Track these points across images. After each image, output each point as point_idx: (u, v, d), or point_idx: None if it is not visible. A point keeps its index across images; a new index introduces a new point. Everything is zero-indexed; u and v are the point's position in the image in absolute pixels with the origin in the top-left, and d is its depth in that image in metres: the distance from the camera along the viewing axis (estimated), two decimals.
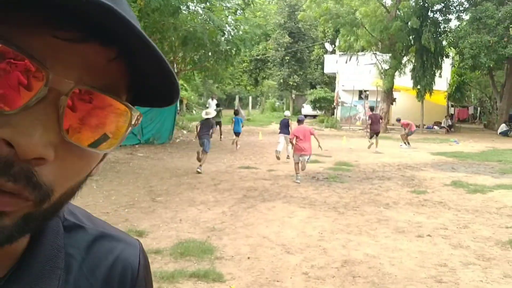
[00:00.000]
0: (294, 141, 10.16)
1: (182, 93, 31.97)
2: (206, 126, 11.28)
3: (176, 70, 18.87)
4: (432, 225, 6.72)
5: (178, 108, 24.87)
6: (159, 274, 4.45)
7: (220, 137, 19.87)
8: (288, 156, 13.44)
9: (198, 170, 10.73)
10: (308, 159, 10.37)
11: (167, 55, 18.23)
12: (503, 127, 26.90)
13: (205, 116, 11.48)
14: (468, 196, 8.91)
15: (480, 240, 6.08)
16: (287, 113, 15.70)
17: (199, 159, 11.09)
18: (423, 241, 5.96)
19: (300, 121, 10.60)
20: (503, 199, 8.57)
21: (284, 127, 13.54)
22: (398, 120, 18.17)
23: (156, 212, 7.07)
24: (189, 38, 14.21)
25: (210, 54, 16.99)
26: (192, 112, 36.43)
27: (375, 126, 16.69)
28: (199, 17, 15.43)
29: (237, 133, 16.80)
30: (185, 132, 22.03)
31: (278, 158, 12.85)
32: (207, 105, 28.72)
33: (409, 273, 4.80)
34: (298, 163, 10.16)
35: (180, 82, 25.41)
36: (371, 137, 16.98)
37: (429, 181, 10.52)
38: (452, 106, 33.84)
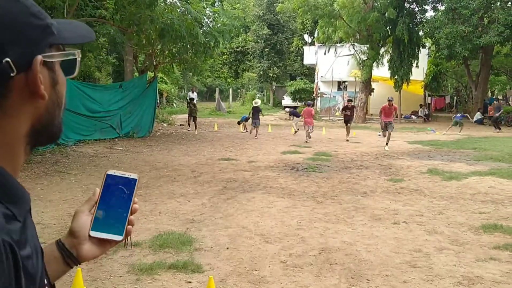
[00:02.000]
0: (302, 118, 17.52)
1: (162, 86, 31.77)
2: (256, 111, 17.97)
3: (154, 63, 18.74)
4: (408, 212, 6.87)
5: (158, 101, 24.71)
6: (138, 266, 4.48)
7: (195, 130, 19.41)
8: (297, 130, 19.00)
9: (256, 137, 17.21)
10: (311, 128, 17.12)
11: (145, 48, 18.10)
12: (478, 115, 27.43)
13: (254, 105, 18.77)
14: (444, 183, 9.11)
15: (454, 225, 6.24)
16: (258, 101, 20.53)
17: (250, 131, 18.25)
18: (398, 228, 6.09)
19: (308, 105, 18.61)
20: (477, 186, 8.79)
21: (257, 113, 18.05)
22: (391, 99, 15.17)
23: None
24: (166, 31, 14.09)
25: (188, 46, 16.86)
26: (172, 105, 36.21)
27: (346, 113, 17.78)
28: (176, 9, 15.32)
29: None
30: (165, 125, 21.93)
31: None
32: (187, 98, 28.59)
33: (385, 259, 4.92)
34: (307, 131, 16.82)
35: (160, 75, 25.27)
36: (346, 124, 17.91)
37: (405, 169, 10.72)
38: (429, 95, 34.36)
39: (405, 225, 6.22)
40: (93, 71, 23.16)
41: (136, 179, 1.02)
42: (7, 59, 0.69)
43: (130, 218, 0.99)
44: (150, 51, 18.01)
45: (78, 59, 0.85)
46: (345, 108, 18.10)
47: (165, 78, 32.72)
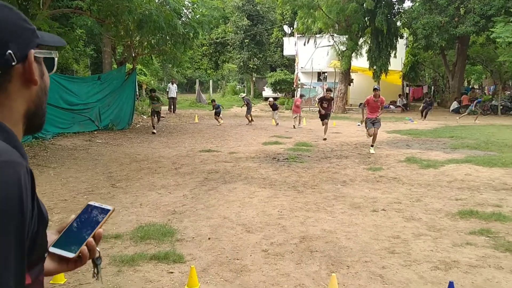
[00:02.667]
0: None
1: (141, 77, 31.44)
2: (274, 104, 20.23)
3: (133, 55, 18.53)
4: (387, 200, 6.99)
5: (137, 93, 24.48)
6: (119, 258, 4.48)
7: (155, 127, 16.24)
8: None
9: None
10: (298, 116, 19.15)
11: (123, 39, 17.86)
12: (454, 104, 27.90)
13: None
14: (421, 171, 9.28)
15: (432, 212, 6.37)
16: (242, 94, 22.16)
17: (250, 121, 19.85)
18: (377, 215, 6.20)
19: (302, 96, 21.83)
20: (453, 173, 8.98)
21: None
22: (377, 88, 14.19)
23: (116, 198, 7.04)
24: (144, 22, 13.94)
25: (167, 37, 16.71)
26: None
27: (323, 105, 14.74)
28: (155, 0, 15.15)
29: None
30: (145, 117, 21.75)
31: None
32: (167, 90, 28.38)
33: (364, 245, 5.01)
34: (294, 118, 18.92)
35: (139, 67, 25.00)
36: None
37: (384, 158, 10.87)
38: (407, 85, 34.72)
39: (384, 213, 6.33)
40: (71, 63, 22.82)
41: (110, 209, 1.15)
42: (10, 51, 0.91)
43: (89, 240, 1.09)
44: (129, 42, 17.80)
45: (56, 58, 1.08)
46: (322, 100, 14.87)
47: (144, 70, 32.41)
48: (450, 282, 3.72)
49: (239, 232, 5.45)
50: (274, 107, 20.17)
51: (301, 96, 22.03)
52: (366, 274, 4.23)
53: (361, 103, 23.91)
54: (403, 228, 5.65)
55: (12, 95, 0.94)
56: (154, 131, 15.98)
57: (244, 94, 22.12)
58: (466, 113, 22.10)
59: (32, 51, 0.96)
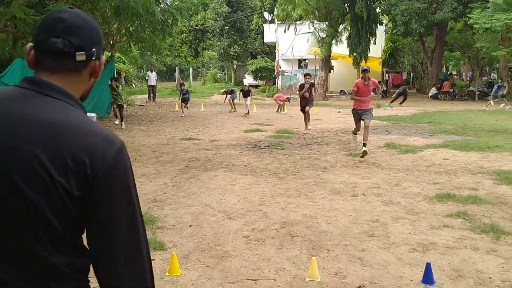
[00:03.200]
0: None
1: (120, 65, 31.01)
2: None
3: (111, 42, 18.24)
4: (366, 185, 7.07)
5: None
6: None
7: (121, 123, 14.55)
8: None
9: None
10: (283, 103, 19.99)
11: (100, 27, 17.53)
12: (433, 90, 28.25)
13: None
14: (400, 156, 9.40)
15: (410, 196, 6.48)
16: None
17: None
18: (357, 200, 6.28)
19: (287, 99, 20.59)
20: (431, 158, 9.12)
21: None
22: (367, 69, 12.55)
23: None
24: (122, 8, 13.72)
25: (146, 24, 16.51)
26: (131, 85, 35.48)
27: (304, 93, 13.06)
28: None
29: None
30: (124, 105, 21.50)
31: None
32: (146, 78, 28.07)
33: (344, 230, 5.08)
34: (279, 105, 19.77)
35: (117, 54, 24.62)
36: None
37: None
38: (386, 72, 35.03)
39: (363, 197, 6.41)
40: None
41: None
42: (94, 49, 1.24)
43: None
44: (106, 29, 17.50)
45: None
46: (302, 87, 13.15)
47: (123, 58, 31.95)
48: (427, 263, 3.81)
49: (221, 219, 5.47)
50: (246, 94, 18.97)
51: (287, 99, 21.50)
52: (345, 257, 4.30)
53: (341, 90, 24.28)
54: (382, 212, 5.74)
55: (82, 79, 1.27)
56: (116, 122, 14.73)
57: (225, 90, 21.63)
58: (491, 101, 21.70)
59: (103, 57, 1.32)
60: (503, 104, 21.18)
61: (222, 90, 24.75)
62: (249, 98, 18.90)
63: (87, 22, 1.24)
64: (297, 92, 13.71)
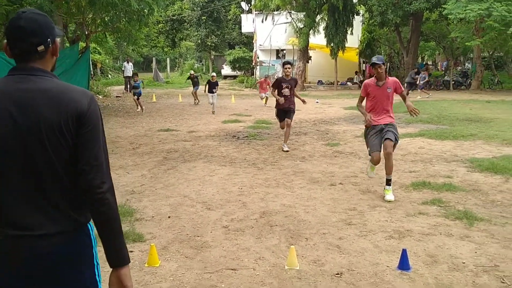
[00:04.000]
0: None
1: (95, 56, 30.53)
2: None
3: (86, 32, 17.90)
4: (344, 174, 7.15)
5: (92, 73, 23.76)
6: None
7: (142, 110, 16.33)
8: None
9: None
10: (264, 95, 18.31)
11: (75, 17, 17.21)
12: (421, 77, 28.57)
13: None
14: None
15: None
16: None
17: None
18: (335, 189, 6.35)
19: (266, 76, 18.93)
20: (407, 147, 9.27)
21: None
22: (377, 63, 10.51)
23: None
24: None
25: (121, 14, 16.21)
26: (107, 76, 34.98)
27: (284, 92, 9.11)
28: None
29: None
30: (100, 97, 21.23)
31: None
32: (122, 68, 27.71)
33: (322, 218, 5.14)
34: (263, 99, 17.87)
35: (92, 45, 24.17)
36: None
37: (342, 134, 11.09)
38: (363, 62, 35.25)
39: (341, 186, 6.49)
40: None
41: None
42: (49, 39, 1.74)
43: None
44: (81, 19, 17.17)
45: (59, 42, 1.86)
46: (280, 82, 9.02)
47: (99, 49, 31.44)
48: (403, 249, 3.88)
49: (200, 210, 5.47)
50: (212, 86, 16.28)
51: (266, 77, 19.59)
52: (324, 245, 4.35)
53: (319, 80, 24.26)
54: (360, 201, 5.82)
55: (48, 60, 1.80)
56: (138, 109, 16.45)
57: (214, 74, 19.12)
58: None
59: (58, 39, 1.82)
60: (420, 96, 22.02)
61: (188, 73, 21.47)
62: (215, 94, 16.06)
63: (39, 23, 1.74)
64: (271, 92, 9.39)
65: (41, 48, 1.73)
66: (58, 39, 1.83)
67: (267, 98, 18.10)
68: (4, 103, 1.66)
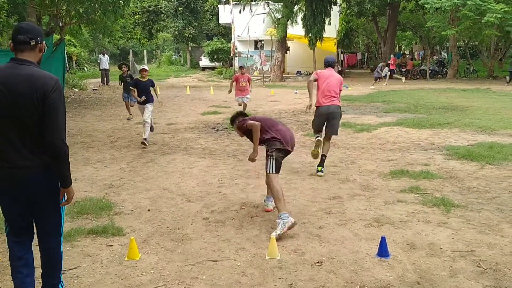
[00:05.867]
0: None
1: (70, 49, 29.99)
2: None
3: (60, 24, 17.53)
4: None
5: (67, 66, 23.31)
6: None
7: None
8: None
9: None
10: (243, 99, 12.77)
11: (48, 8, 16.83)
12: (386, 70, 28.82)
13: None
14: (356, 135, 9.60)
15: (365, 173, 6.65)
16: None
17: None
18: (315, 179, 6.38)
19: (242, 67, 13.06)
20: (385, 136, 9.37)
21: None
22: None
23: None
24: None
25: (96, 5, 15.93)
26: (83, 69, 34.40)
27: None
28: None
29: None
30: (76, 90, 20.87)
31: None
32: (98, 61, 27.29)
33: (302, 208, 5.16)
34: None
35: (67, 37, 23.74)
36: None
37: None
38: (341, 52, 35.43)
39: (321, 176, 6.52)
40: None
41: None
42: (39, 38, 2.75)
43: None
44: (55, 11, 16.80)
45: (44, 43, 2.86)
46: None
47: (74, 41, 30.90)
48: (382, 237, 3.93)
49: (180, 202, 5.44)
50: (143, 89, 9.17)
51: (241, 68, 13.02)
52: (304, 235, 4.37)
53: (298, 71, 24.21)
54: (339, 190, 5.86)
55: (36, 54, 2.76)
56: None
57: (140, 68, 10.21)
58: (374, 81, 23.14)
59: (44, 42, 2.78)
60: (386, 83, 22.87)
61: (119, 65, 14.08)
62: (149, 106, 9.11)
63: (33, 27, 2.78)
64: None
65: (33, 42, 2.70)
66: (44, 43, 2.81)
67: (245, 104, 12.80)
68: None
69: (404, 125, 10.47)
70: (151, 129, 9.29)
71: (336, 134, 6.99)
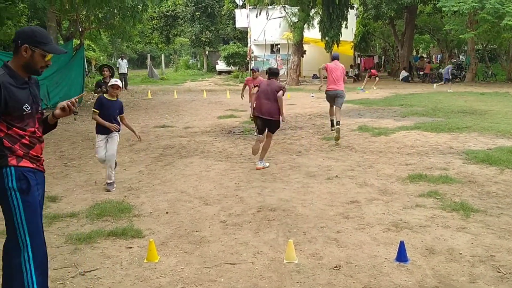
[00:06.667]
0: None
1: (90, 53, 30.38)
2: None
3: (80, 29, 17.82)
4: (340, 168, 7.17)
5: (87, 70, 23.65)
6: (75, 236, 4.42)
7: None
8: None
9: None
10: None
11: (68, 13, 17.12)
12: (403, 73, 28.64)
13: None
14: (373, 139, 9.55)
15: (383, 177, 6.61)
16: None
17: None
18: (332, 183, 6.37)
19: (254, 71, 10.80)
20: (403, 140, 9.30)
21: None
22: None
23: (69, 177, 6.88)
24: None
25: (115, 11, 16.16)
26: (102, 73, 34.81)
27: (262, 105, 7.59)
28: None
29: None
30: (95, 94, 21.13)
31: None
32: (117, 65, 27.62)
33: (319, 212, 5.16)
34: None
35: (87, 42, 24.08)
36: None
37: None
38: (358, 56, 35.30)
39: (338, 180, 6.51)
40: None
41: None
42: (20, 41, 2.69)
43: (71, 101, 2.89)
44: (75, 16, 17.10)
45: (37, 51, 2.74)
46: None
47: (93, 46, 31.30)
48: (401, 242, 3.91)
49: (197, 205, 5.48)
50: (110, 111, 6.33)
51: (253, 71, 10.47)
52: (322, 239, 4.37)
53: (314, 74, 24.13)
54: (357, 194, 5.84)
55: (19, 56, 2.70)
56: None
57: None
58: (442, 82, 22.84)
59: (25, 45, 2.68)
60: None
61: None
62: (114, 137, 6.46)
63: (22, 30, 2.80)
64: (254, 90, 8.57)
65: (16, 43, 2.69)
66: (37, 50, 2.71)
67: None
68: None
69: (422, 129, 10.38)
70: (115, 164, 6.59)
71: (340, 107, 9.92)
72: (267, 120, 7.45)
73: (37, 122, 2.88)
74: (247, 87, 10.56)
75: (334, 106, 9.96)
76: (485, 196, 5.64)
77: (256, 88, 8.13)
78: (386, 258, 3.93)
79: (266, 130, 7.60)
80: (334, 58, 10.46)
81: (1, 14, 13.21)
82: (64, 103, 2.84)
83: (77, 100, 2.92)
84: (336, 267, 3.79)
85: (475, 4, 21.15)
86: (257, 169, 7.24)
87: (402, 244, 3.88)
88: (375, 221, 4.82)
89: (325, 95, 10.36)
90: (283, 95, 7.49)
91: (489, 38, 26.75)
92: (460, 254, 3.98)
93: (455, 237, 4.35)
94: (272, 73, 7.88)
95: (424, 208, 5.23)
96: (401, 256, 3.86)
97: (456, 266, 3.75)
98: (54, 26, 18.80)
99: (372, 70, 25.91)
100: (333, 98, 9.98)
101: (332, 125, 10.14)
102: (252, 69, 10.60)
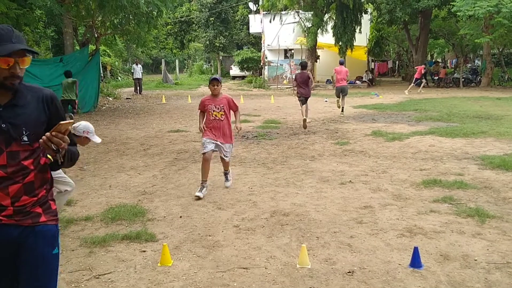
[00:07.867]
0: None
1: (105, 59, 30.75)
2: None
3: (96, 35, 18.05)
4: (354, 173, 7.15)
5: (102, 75, 23.95)
6: (90, 239, 4.47)
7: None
8: None
9: None
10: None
11: (84, 19, 17.36)
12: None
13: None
14: (387, 144, 9.50)
15: (397, 183, 6.57)
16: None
17: None
18: (345, 188, 6.35)
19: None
20: (417, 145, 9.24)
21: None
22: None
23: (84, 180, 6.96)
24: (106, 0, 13.59)
25: (130, 16, 16.36)
26: (117, 78, 35.21)
27: (302, 90, 12.05)
28: None
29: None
30: (110, 99, 21.37)
31: None
32: (131, 71, 27.90)
33: (333, 217, 5.14)
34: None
35: (102, 48, 24.37)
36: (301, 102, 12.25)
37: (351, 132, 11.06)
38: (372, 60, 35.14)
39: (352, 185, 6.48)
40: (31, 46, 22.05)
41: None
42: None
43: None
44: (90, 22, 17.34)
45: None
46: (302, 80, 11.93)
47: (108, 51, 31.71)
48: (415, 247, 3.88)
49: (211, 210, 5.50)
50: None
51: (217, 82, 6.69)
52: (335, 244, 4.36)
53: (328, 79, 24.17)
54: (370, 199, 5.81)
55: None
56: None
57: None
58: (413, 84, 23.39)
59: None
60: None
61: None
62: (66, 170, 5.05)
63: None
64: (286, 80, 10.93)
65: None
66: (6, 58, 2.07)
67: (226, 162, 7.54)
68: None
69: (436, 134, 10.30)
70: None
71: (346, 95, 14.59)
72: (306, 98, 11.99)
73: (5, 157, 2.03)
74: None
75: (341, 98, 14.43)
76: (501, 202, 5.57)
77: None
78: (400, 264, 3.90)
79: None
80: (340, 63, 14.87)
81: (19, 20, 13.44)
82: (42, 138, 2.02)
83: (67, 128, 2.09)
84: (349, 272, 3.77)
85: (491, 9, 20.95)
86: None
87: (416, 250, 3.85)
88: (388, 227, 4.79)
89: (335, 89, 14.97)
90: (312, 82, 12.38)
91: (505, 42, 26.45)
92: (475, 260, 3.94)
93: (470, 243, 4.30)
94: (303, 66, 12.30)
95: (439, 213, 5.18)
96: (415, 262, 3.83)
97: (471, 273, 3.71)
98: (71, 32, 19.09)
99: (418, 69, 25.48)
100: (339, 91, 14.35)
101: (342, 111, 14.72)
102: (215, 79, 6.55)
